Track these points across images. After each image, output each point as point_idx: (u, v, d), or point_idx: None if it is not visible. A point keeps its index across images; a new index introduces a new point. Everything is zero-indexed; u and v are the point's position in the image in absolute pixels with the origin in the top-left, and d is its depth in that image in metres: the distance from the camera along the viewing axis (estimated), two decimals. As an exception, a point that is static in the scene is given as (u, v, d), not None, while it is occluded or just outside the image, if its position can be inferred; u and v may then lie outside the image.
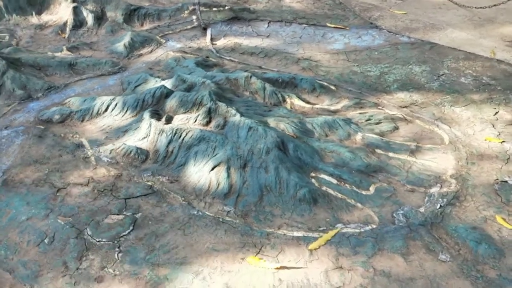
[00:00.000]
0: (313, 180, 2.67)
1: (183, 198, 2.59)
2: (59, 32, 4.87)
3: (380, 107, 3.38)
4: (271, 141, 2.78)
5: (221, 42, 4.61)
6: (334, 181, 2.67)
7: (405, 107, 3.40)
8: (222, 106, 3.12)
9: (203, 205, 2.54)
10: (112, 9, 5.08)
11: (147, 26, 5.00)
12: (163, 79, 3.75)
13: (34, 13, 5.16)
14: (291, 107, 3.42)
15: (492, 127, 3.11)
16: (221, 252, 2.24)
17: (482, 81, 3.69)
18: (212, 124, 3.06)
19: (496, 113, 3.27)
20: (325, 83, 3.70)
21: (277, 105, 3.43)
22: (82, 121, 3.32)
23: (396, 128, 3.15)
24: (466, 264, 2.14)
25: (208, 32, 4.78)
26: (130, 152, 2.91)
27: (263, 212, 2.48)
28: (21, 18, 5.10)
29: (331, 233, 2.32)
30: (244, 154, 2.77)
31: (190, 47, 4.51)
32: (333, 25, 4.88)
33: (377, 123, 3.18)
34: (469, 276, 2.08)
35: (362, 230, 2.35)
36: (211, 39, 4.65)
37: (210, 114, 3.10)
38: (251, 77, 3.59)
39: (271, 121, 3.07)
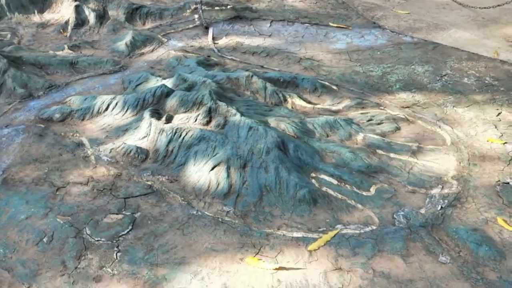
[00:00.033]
0: (313, 181, 2.66)
1: (182, 198, 2.58)
2: (61, 30, 4.87)
3: (382, 108, 3.36)
4: (271, 141, 2.77)
5: (223, 41, 4.60)
6: (335, 181, 2.65)
7: (407, 107, 3.38)
8: (223, 105, 3.11)
9: (203, 205, 2.53)
10: (114, 8, 5.08)
11: (149, 25, 5.00)
12: (164, 78, 3.74)
13: (36, 11, 5.16)
14: (292, 107, 3.40)
15: (494, 128, 3.09)
16: (220, 252, 2.23)
17: (485, 82, 3.66)
18: (212, 123, 3.05)
19: (499, 114, 3.25)
20: (326, 83, 3.69)
21: (278, 104, 3.42)
22: (83, 120, 3.32)
23: (398, 128, 3.13)
24: (466, 266, 2.12)
25: (210, 31, 4.77)
26: (130, 151, 2.90)
27: (262, 212, 2.47)
28: (23, 16, 5.10)
29: (331, 234, 2.30)
30: (244, 154, 2.75)
31: (191, 46, 4.50)
32: (335, 25, 4.86)
33: (379, 124, 3.17)
34: (469, 278, 2.06)
35: (362, 231, 2.33)
36: (213, 38, 4.64)
37: (210, 114, 3.09)
38: (252, 76, 3.58)
39: (272, 121, 3.06)
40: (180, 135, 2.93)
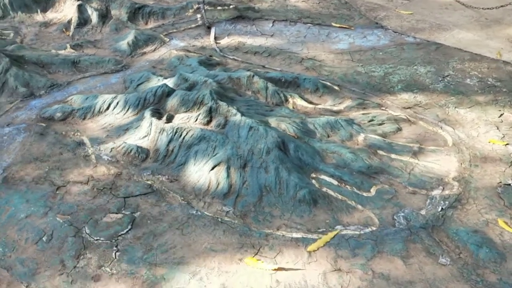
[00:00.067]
0: (313, 181, 2.65)
1: (182, 198, 2.57)
2: (64, 30, 4.88)
3: (384, 108, 3.35)
4: (271, 141, 2.76)
5: (225, 41, 4.60)
6: (335, 182, 2.65)
7: (409, 108, 3.37)
8: (223, 105, 3.10)
9: (202, 204, 2.53)
10: (116, 7, 5.09)
11: (151, 24, 5.00)
12: (166, 78, 3.74)
13: (39, 10, 5.17)
14: (293, 107, 3.40)
15: (496, 129, 3.07)
16: (219, 252, 2.22)
17: (487, 83, 3.65)
18: (213, 123, 3.04)
19: (501, 115, 3.23)
20: (328, 83, 3.68)
21: (279, 105, 3.41)
22: (84, 119, 3.32)
23: (399, 129, 3.12)
24: (466, 268, 2.11)
25: (212, 31, 4.77)
26: (131, 150, 2.90)
27: (262, 212, 2.46)
28: (26, 15, 5.12)
29: (330, 234, 2.30)
30: (244, 154, 2.75)
31: (193, 45, 4.50)
32: (338, 25, 4.85)
33: (380, 124, 3.15)
34: (469, 280, 2.05)
35: (361, 232, 2.32)
36: (215, 38, 4.63)
37: (211, 114, 3.09)
38: (253, 76, 3.57)
39: (272, 121, 3.05)
40: (181, 135, 2.92)
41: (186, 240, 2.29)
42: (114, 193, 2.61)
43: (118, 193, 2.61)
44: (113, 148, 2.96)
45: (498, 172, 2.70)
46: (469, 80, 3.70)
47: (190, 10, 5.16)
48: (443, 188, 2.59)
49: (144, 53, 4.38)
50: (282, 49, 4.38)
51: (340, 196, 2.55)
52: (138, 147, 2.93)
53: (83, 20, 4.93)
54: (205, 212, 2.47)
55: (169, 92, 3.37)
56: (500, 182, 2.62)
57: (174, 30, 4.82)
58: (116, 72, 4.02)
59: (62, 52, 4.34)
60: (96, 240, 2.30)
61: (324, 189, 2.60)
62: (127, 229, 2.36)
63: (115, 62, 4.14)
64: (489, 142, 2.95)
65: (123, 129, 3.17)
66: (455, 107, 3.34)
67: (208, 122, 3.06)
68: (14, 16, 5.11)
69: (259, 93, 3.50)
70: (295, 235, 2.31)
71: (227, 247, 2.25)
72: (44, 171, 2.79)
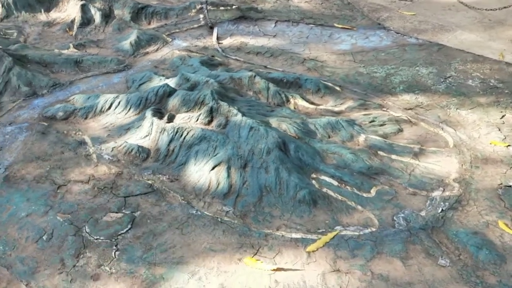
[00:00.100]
0: (313, 182, 2.65)
1: (182, 197, 2.58)
2: (67, 29, 4.90)
3: (385, 109, 3.34)
4: (272, 141, 2.76)
5: (227, 41, 4.60)
6: (335, 182, 2.64)
7: (410, 109, 3.36)
8: (224, 105, 3.11)
9: (202, 204, 2.53)
10: (119, 7, 5.10)
11: (154, 24, 5.01)
12: (168, 78, 3.75)
13: (42, 10, 5.20)
14: (294, 108, 3.40)
15: (498, 131, 3.06)
16: (218, 252, 2.22)
17: (489, 84, 3.64)
18: (214, 123, 3.05)
19: (503, 116, 3.22)
20: (330, 84, 3.68)
21: (281, 105, 3.41)
22: (86, 118, 3.33)
23: (400, 130, 3.12)
24: (466, 269, 2.10)
25: (215, 31, 4.77)
26: (132, 150, 2.91)
27: (262, 212, 2.46)
28: (29, 15, 5.14)
29: (330, 235, 2.29)
30: (245, 154, 2.75)
31: (196, 46, 4.51)
32: (340, 26, 4.85)
33: (381, 125, 3.15)
34: (468, 282, 2.04)
35: (361, 233, 2.32)
36: (217, 38, 4.64)
37: (211, 114, 3.09)
38: (255, 76, 3.57)
39: (273, 121, 3.05)
40: (181, 135, 2.93)
41: (186, 240, 2.30)
42: (115, 192, 2.62)
43: (118, 192, 2.62)
44: (114, 147, 2.97)
45: (499, 173, 2.69)
46: (471, 81, 3.70)
47: (193, 10, 5.17)
48: (444, 190, 2.59)
49: (147, 53, 4.39)
50: (284, 50, 4.38)
51: (340, 197, 2.55)
52: (139, 146, 2.94)
53: (86, 20, 4.95)
54: (205, 212, 2.47)
55: (170, 92, 3.38)
56: (501, 184, 2.61)
57: (177, 30, 4.83)
58: (118, 72, 4.04)
59: (65, 51, 4.36)
60: (96, 239, 2.31)
61: (324, 189, 2.60)
62: (127, 229, 2.37)
63: (118, 62, 4.16)
64: (490, 144, 2.94)
65: (125, 129, 3.18)
66: (457, 108, 3.33)
67: (209, 122, 3.07)
68: (17, 15, 5.13)
69: (261, 93, 3.50)
70: (294, 235, 2.31)
71: (226, 247, 2.25)
72: (45, 170, 2.80)
